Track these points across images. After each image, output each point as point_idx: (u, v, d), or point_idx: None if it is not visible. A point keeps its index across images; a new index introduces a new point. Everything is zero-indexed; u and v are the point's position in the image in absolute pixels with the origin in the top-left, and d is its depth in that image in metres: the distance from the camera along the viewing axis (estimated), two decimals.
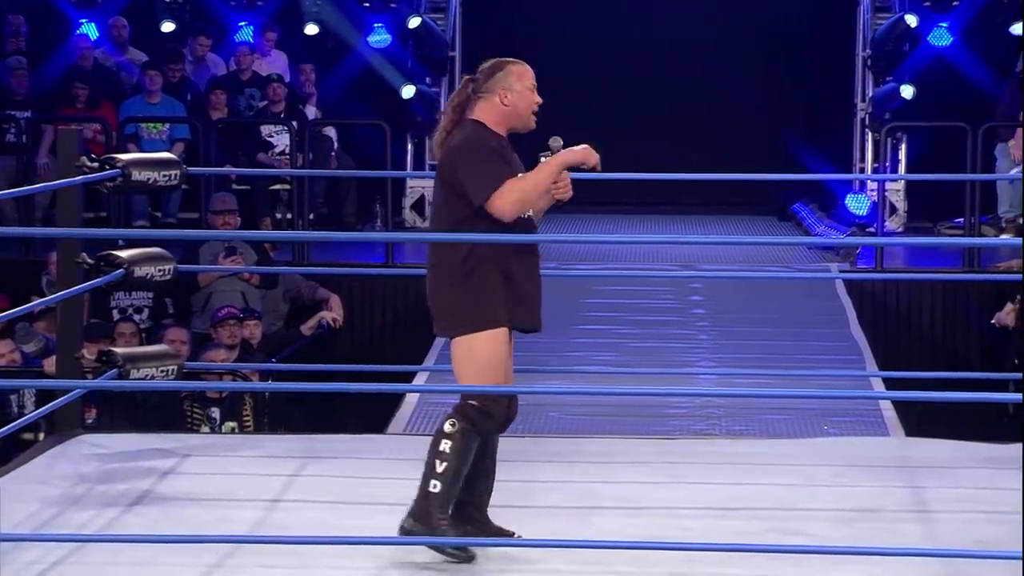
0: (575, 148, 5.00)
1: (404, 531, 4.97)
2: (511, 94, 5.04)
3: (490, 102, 5.05)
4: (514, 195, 4.92)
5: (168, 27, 13.79)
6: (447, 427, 4.97)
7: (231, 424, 8.63)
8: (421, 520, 4.95)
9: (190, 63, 13.27)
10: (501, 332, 4.99)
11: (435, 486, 4.94)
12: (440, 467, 4.94)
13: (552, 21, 14.81)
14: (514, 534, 5.13)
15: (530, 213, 5.01)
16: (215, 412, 8.63)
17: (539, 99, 5.08)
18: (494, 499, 5.15)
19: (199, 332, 9.71)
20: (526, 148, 5.07)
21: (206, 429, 8.54)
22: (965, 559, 4.95)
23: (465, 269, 4.98)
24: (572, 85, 14.44)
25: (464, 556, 4.97)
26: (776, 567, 4.94)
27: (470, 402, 5.00)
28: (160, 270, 6.28)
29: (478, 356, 4.98)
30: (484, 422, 4.99)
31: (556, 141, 5.05)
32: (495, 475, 5.12)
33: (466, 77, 5.12)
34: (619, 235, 12.53)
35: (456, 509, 5.04)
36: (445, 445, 4.95)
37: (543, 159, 5.03)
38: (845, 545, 5.18)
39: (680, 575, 4.92)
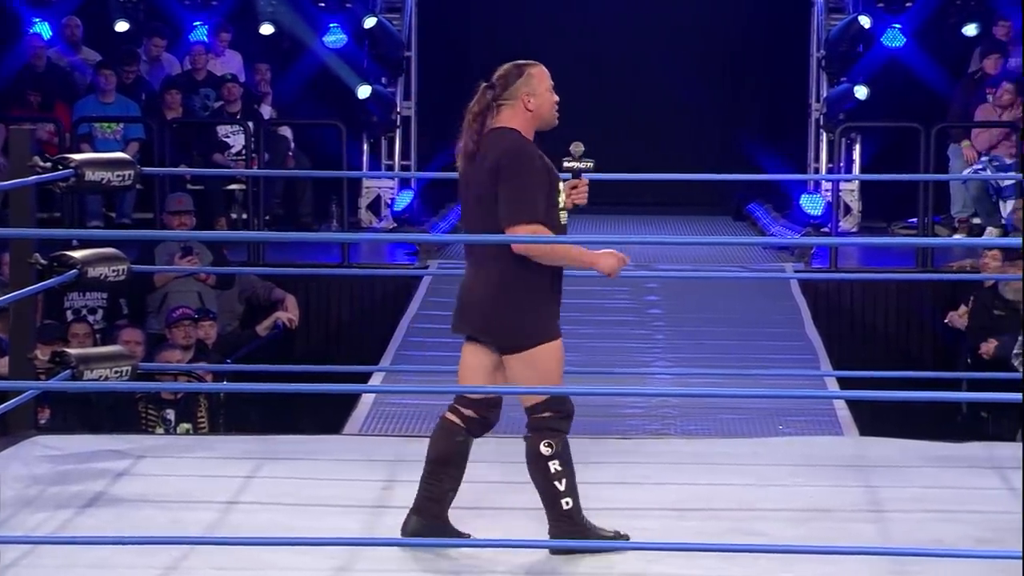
0: (606, 259, 5.06)
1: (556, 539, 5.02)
2: (534, 98, 5.07)
3: (514, 108, 5.07)
4: (542, 248, 4.94)
5: (122, 27, 13.72)
6: (544, 450, 5.01)
7: (186, 425, 8.60)
8: (577, 535, 5.01)
9: (144, 63, 13.22)
10: (557, 342, 5.04)
11: (567, 503, 5.02)
12: (562, 486, 5.01)
13: (507, 22, 14.82)
14: (469, 536, 5.15)
15: (564, 215, 5.09)
16: (170, 413, 8.60)
17: (557, 97, 5.11)
18: (456, 500, 5.16)
19: (154, 333, 9.67)
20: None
21: (161, 430, 8.50)
22: (916, 558, 4.97)
23: (529, 283, 5.00)
24: None
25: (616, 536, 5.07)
26: (732, 566, 4.95)
27: (545, 415, 5.03)
28: (114, 270, 6.25)
29: (543, 365, 5.01)
30: (565, 424, 5.06)
31: (577, 147, 5.12)
32: (462, 478, 5.17)
33: (483, 84, 5.13)
34: (575, 235, 12.50)
35: (420, 507, 5.10)
36: (554, 466, 5.01)
37: (566, 164, 5.10)
38: (800, 544, 5.20)
39: (638, 575, 4.93)
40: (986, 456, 6.58)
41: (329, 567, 4.97)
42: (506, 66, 5.14)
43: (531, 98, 5.05)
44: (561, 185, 5.07)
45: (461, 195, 5.13)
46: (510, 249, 4.95)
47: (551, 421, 5.03)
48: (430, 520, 5.12)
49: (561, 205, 5.06)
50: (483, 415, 5.17)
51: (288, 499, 5.81)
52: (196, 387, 8.57)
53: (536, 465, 5.03)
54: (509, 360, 5.05)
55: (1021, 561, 4.37)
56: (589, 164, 5.15)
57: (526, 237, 4.93)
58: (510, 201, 4.94)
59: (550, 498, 5.03)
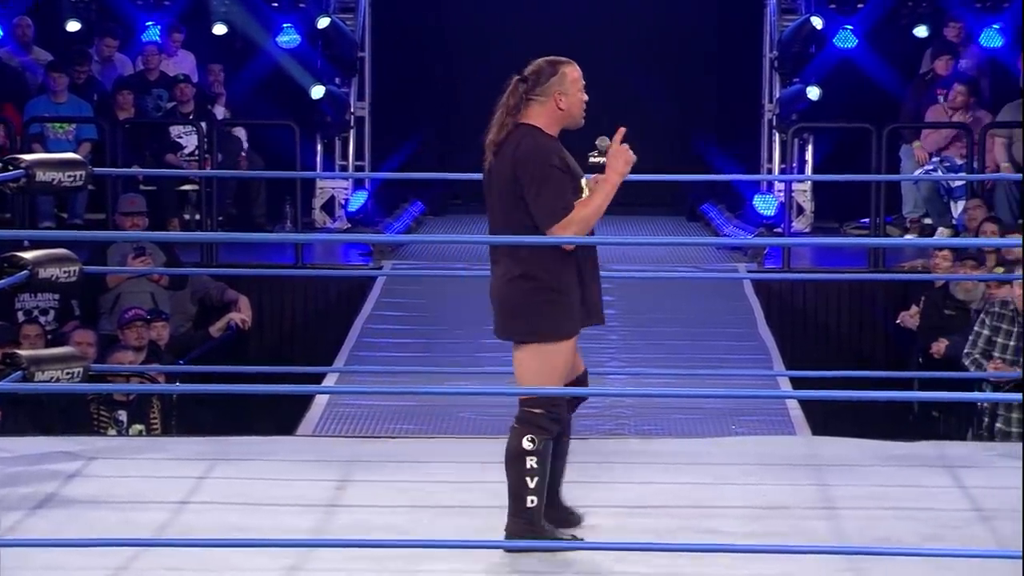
0: (618, 162, 5.05)
1: (508, 537, 5.06)
2: (566, 97, 5.10)
3: (545, 106, 5.10)
4: (578, 227, 5.00)
5: (73, 26, 13.65)
6: (527, 444, 5.03)
7: (138, 427, 8.56)
8: (532, 535, 5.03)
9: (97, 63, 13.15)
10: (572, 341, 5.08)
11: (532, 501, 5.04)
12: (532, 483, 5.03)
13: (460, 22, 14.82)
14: (575, 513, 5.28)
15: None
16: (122, 415, 8.56)
17: (587, 97, 5.14)
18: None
19: (107, 334, 9.63)
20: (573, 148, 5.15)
21: (113, 432, 8.46)
22: (868, 556, 5.00)
23: (540, 279, 5.03)
24: (481, 86, 14.45)
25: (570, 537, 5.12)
26: (686, 565, 4.97)
27: (536, 411, 5.05)
28: (65, 271, 6.21)
29: (547, 363, 5.05)
30: (553, 426, 5.07)
31: (603, 141, 5.12)
32: (567, 456, 5.24)
33: (516, 78, 5.15)
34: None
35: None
36: (531, 461, 5.03)
37: (592, 159, 5.11)
38: (753, 543, 5.22)
39: (591, 573, 4.94)
40: (937, 455, 6.63)
41: (281, 567, 4.96)
42: (539, 61, 5.15)
43: (563, 97, 5.09)
44: (583, 181, 5.10)
45: (486, 189, 5.15)
46: (522, 247, 5.01)
47: (540, 418, 5.06)
48: (556, 506, 5.21)
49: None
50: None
51: (241, 499, 5.79)
52: (149, 388, 8.53)
53: (513, 457, 5.05)
54: (515, 351, 5.10)
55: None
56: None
57: (564, 238, 4.99)
58: (541, 206, 4.99)
59: (517, 492, 5.05)
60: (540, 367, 5.06)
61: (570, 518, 5.29)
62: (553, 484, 5.20)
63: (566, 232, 4.99)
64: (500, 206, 5.09)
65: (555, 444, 5.14)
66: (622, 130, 5.13)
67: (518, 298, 5.07)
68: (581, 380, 5.24)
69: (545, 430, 5.07)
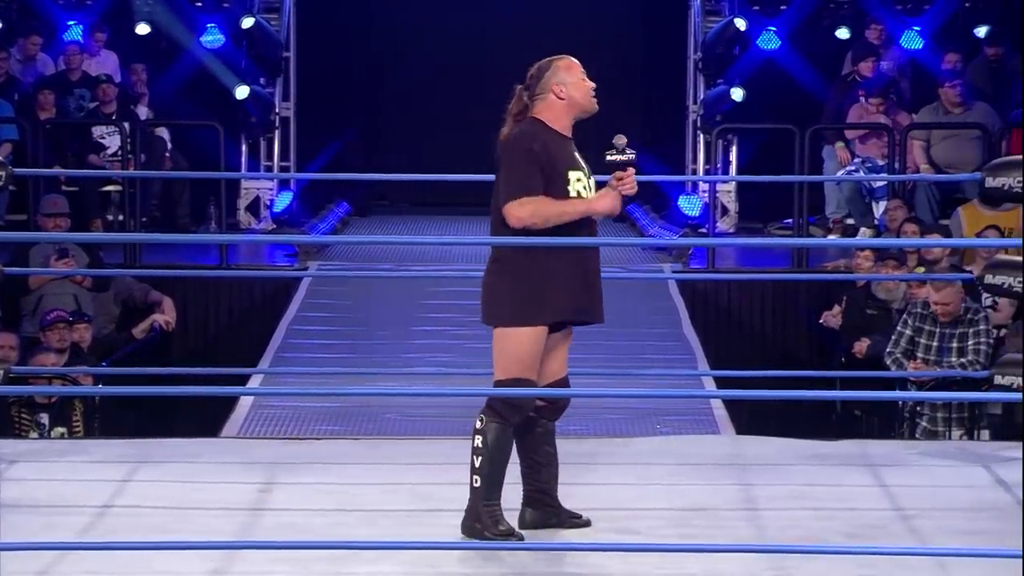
0: (602, 200, 5.17)
1: (464, 528, 5.17)
2: (565, 87, 5.24)
3: (547, 100, 5.24)
4: (530, 208, 5.08)
5: None
6: (477, 424, 5.18)
7: (60, 430, 8.49)
8: (470, 516, 5.16)
9: (18, 62, 13.02)
10: (538, 330, 5.16)
11: (476, 481, 5.15)
12: (477, 463, 5.16)
13: (385, 21, 14.79)
14: (582, 517, 5.34)
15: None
16: (44, 418, 8.48)
17: (592, 84, 5.27)
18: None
19: (29, 336, 9.53)
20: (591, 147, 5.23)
21: (34, 435, 8.39)
22: (791, 555, 5.04)
23: (517, 264, 5.13)
24: (406, 85, 14.45)
25: (508, 533, 5.14)
26: (611, 565, 4.98)
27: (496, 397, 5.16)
28: None
29: (512, 349, 5.15)
30: (511, 413, 5.17)
31: (620, 139, 5.26)
32: (557, 462, 5.33)
33: (519, 87, 5.30)
34: (450, 236, 12.52)
35: (529, 499, 5.27)
36: (478, 441, 5.16)
37: (608, 157, 5.21)
38: (678, 543, 5.24)
39: (517, 573, 4.95)
40: (859, 454, 6.69)
41: (205, 570, 4.94)
42: (536, 64, 5.31)
43: (562, 87, 5.24)
44: (572, 174, 5.18)
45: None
46: (503, 231, 5.12)
47: (497, 404, 5.16)
48: (543, 509, 5.29)
49: (586, 194, 5.18)
50: (551, 400, 5.29)
51: (165, 502, 5.76)
52: (71, 391, 8.46)
53: (471, 438, 5.17)
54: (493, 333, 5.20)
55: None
56: (631, 155, 5.24)
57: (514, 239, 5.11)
58: (505, 184, 5.13)
59: (470, 473, 5.18)
60: (503, 352, 5.17)
61: (574, 522, 5.35)
62: (548, 490, 5.30)
63: (520, 210, 5.09)
64: (493, 200, 5.22)
65: (533, 450, 5.25)
66: (631, 170, 5.23)
67: (487, 282, 5.22)
68: (561, 384, 5.32)
69: (498, 414, 5.16)
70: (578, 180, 5.21)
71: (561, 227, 5.13)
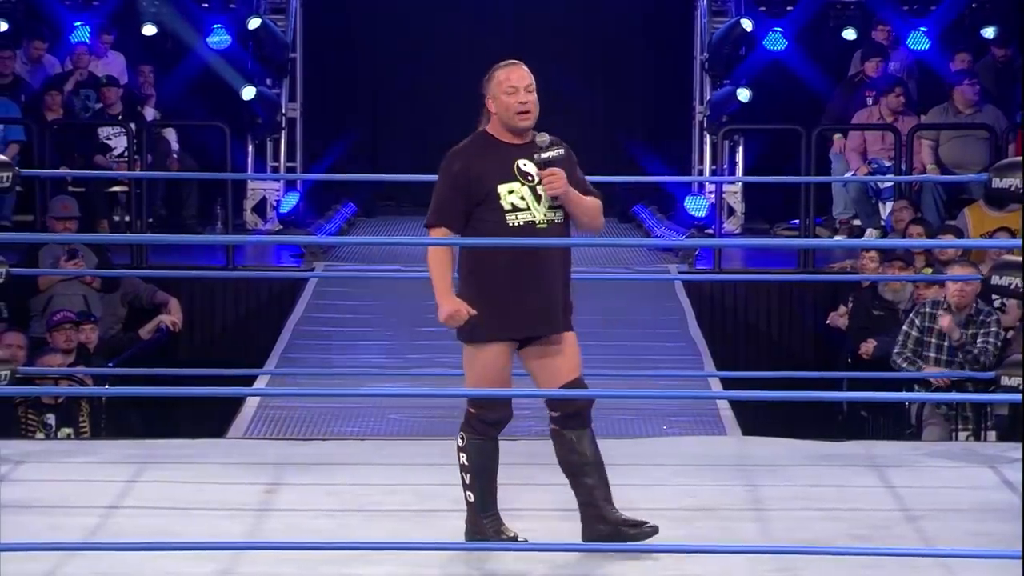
0: (443, 307, 5.03)
1: (468, 539, 5.13)
2: (495, 101, 5.11)
3: (488, 111, 5.13)
4: (431, 256, 5.06)
5: (0, 27, 13.52)
6: (459, 441, 5.13)
7: (67, 430, 8.49)
8: (472, 528, 5.13)
9: (24, 64, 13.03)
10: (490, 348, 5.06)
11: (470, 496, 5.12)
12: (467, 479, 5.12)
13: (392, 22, 14.77)
14: (643, 525, 5.12)
15: (535, 218, 5.06)
16: (51, 418, 8.49)
17: (521, 99, 5.06)
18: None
19: (38, 336, 9.55)
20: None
21: (41, 435, 8.39)
22: (797, 555, 5.03)
23: (469, 283, 5.08)
24: (413, 86, 14.44)
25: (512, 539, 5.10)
26: (616, 566, 4.98)
27: (469, 410, 5.13)
28: None
29: (473, 365, 5.10)
30: (484, 428, 5.11)
31: (541, 137, 5.09)
32: (600, 469, 5.13)
33: None
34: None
35: (581, 515, 5.13)
36: (463, 458, 5.12)
37: (535, 158, 5.05)
38: (684, 543, 5.24)
39: (520, 574, 4.95)
40: (865, 455, 6.69)
41: (212, 570, 4.94)
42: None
43: (492, 101, 5.12)
44: (503, 188, 5.05)
45: None
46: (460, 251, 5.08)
47: (471, 418, 5.12)
48: (588, 523, 5.15)
49: (524, 205, 5.06)
50: (556, 408, 5.14)
51: (171, 503, 5.77)
52: (78, 391, 8.47)
53: (456, 454, 5.15)
54: None
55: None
56: (554, 153, 5.07)
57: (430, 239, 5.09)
58: (432, 202, 5.11)
59: (462, 486, 5.15)
60: (468, 368, 5.13)
61: (628, 532, 5.11)
62: (589, 501, 5.12)
63: (431, 249, 5.07)
64: None
65: (560, 463, 5.11)
66: (553, 170, 5.05)
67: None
68: (571, 387, 5.17)
69: (474, 430, 5.11)
70: (511, 192, 5.06)
71: (504, 249, 5.03)
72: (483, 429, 5.12)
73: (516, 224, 5.06)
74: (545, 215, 5.10)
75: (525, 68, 5.13)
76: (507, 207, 5.07)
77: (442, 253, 5.06)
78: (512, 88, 5.07)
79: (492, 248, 5.05)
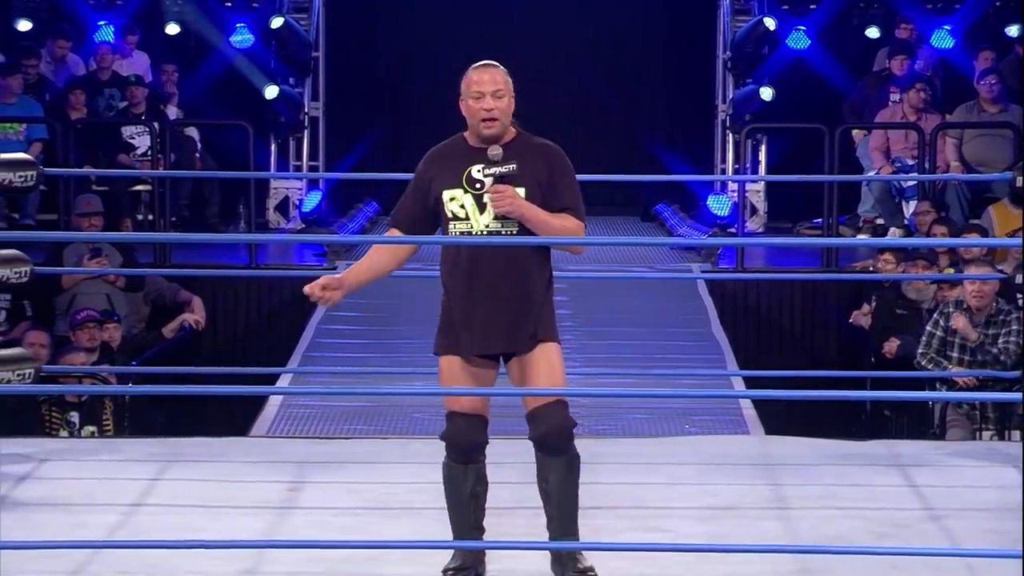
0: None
1: None
2: (464, 104, 4.88)
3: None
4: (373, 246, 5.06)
5: (25, 26, 13.56)
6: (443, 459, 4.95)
7: (91, 428, 8.51)
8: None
9: (48, 63, 13.07)
10: (447, 361, 4.87)
11: (450, 521, 4.94)
12: (447, 503, 4.93)
13: (414, 22, 14.80)
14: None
15: (472, 227, 4.84)
16: (74, 416, 8.51)
17: (487, 105, 4.79)
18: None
19: (62, 335, 9.57)
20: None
21: (65, 433, 8.42)
22: (820, 555, 5.03)
23: (445, 292, 4.92)
24: (434, 84, 14.45)
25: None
26: (639, 565, 4.98)
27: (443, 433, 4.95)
28: (16, 272, 6.17)
29: (441, 377, 4.92)
30: (448, 450, 4.92)
31: (494, 150, 4.83)
32: (563, 505, 4.91)
33: None
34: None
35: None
36: (443, 477, 4.94)
37: (486, 172, 4.82)
38: (706, 542, 5.24)
39: (542, 572, 4.95)
40: (888, 454, 6.67)
41: (235, 569, 4.95)
42: None
43: (463, 104, 4.89)
44: (446, 194, 4.83)
45: None
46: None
47: (444, 441, 4.96)
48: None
49: (464, 214, 4.83)
50: (530, 430, 4.95)
51: (194, 501, 5.78)
52: (101, 390, 8.49)
53: None
54: None
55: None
56: (504, 169, 4.81)
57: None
58: None
59: None
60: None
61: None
62: (549, 530, 4.89)
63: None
64: None
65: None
66: (501, 187, 4.79)
67: None
68: (532, 414, 4.87)
69: (447, 453, 4.93)
70: (452, 199, 4.82)
71: (461, 261, 4.82)
72: (447, 450, 4.93)
73: (455, 234, 4.82)
74: (488, 225, 4.80)
75: (499, 71, 4.84)
76: (449, 215, 4.82)
77: (383, 247, 4.98)
78: (478, 93, 4.81)
79: (446, 258, 4.86)
